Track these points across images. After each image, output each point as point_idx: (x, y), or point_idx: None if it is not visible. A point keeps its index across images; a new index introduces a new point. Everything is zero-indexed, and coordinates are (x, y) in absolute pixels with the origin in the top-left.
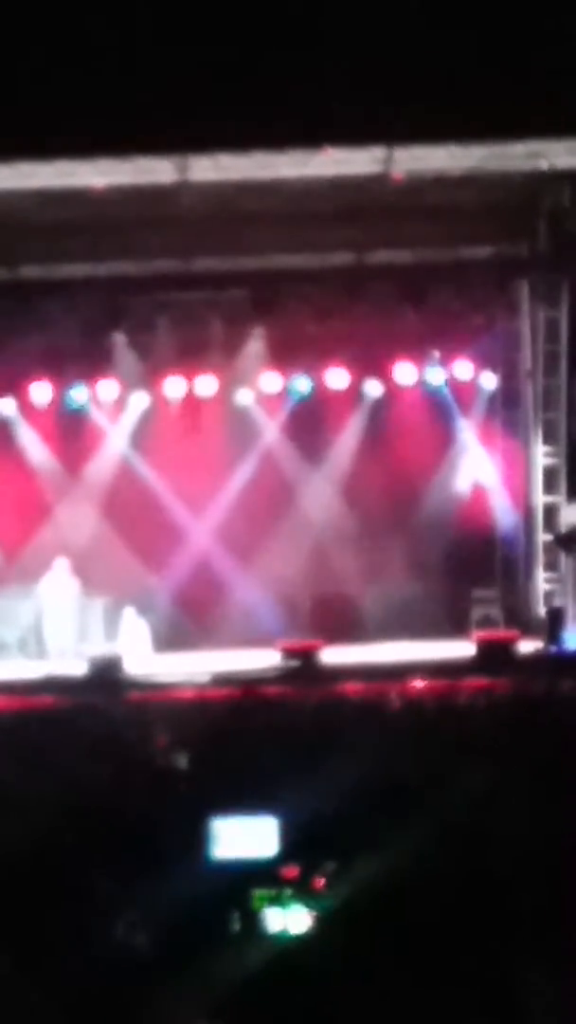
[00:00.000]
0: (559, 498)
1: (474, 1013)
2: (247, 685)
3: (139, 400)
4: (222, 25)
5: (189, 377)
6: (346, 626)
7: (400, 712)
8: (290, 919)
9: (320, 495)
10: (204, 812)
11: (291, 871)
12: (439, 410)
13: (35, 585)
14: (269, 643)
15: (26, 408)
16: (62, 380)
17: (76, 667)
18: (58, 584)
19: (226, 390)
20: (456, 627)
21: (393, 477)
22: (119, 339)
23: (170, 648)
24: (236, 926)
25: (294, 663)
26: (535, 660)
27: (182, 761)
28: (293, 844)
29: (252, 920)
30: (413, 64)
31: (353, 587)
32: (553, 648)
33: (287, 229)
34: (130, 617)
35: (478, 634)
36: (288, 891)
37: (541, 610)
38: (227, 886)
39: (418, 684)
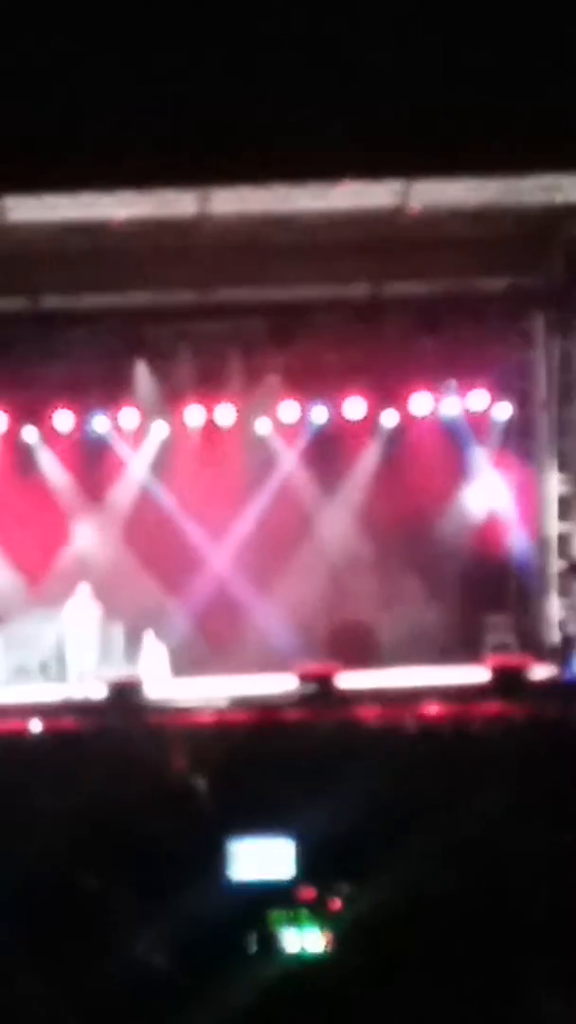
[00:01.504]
0: (573, 525)
1: None
2: (264, 709)
3: (159, 428)
4: (242, 60)
5: (208, 406)
6: (362, 651)
7: (415, 736)
8: (306, 940)
9: (337, 522)
10: (222, 834)
11: (307, 892)
12: (454, 439)
13: (57, 610)
14: (286, 668)
15: (48, 436)
16: (84, 408)
17: (96, 690)
18: (80, 609)
19: (245, 419)
20: (470, 652)
21: (409, 505)
22: (140, 368)
23: (189, 672)
24: (253, 946)
25: (311, 687)
26: (548, 685)
27: (200, 784)
28: (309, 866)
29: (269, 940)
30: (430, 99)
31: (369, 613)
32: (567, 674)
33: (305, 261)
34: (150, 641)
35: (492, 659)
36: (304, 912)
37: (555, 636)
38: (245, 907)
39: (433, 708)
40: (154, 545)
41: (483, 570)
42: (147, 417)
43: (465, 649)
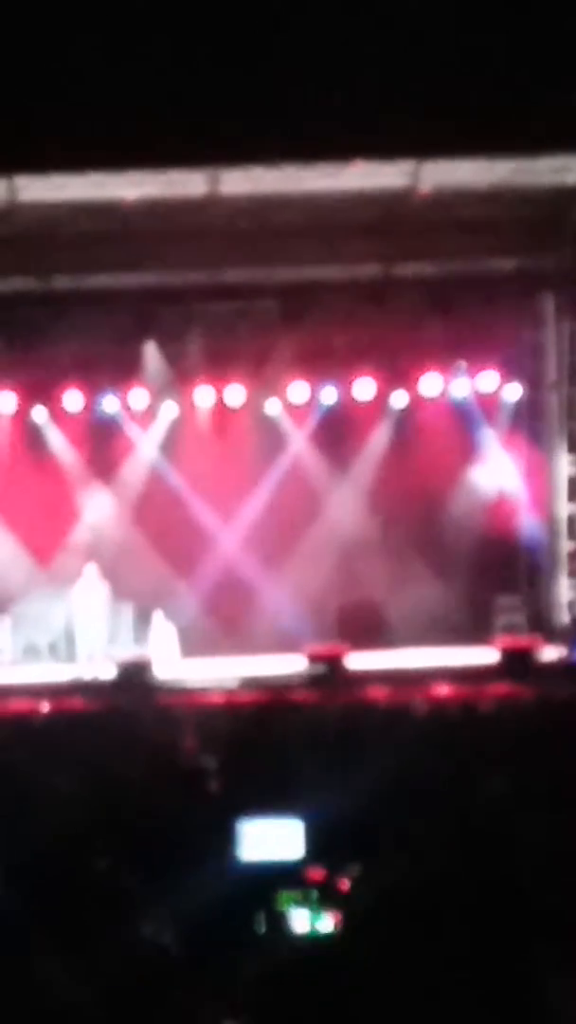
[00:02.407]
0: None
1: (499, 1015)
2: (274, 690)
3: (169, 409)
4: (253, 39)
5: (218, 386)
6: (372, 632)
7: (424, 717)
8: (316, 920)
9: (346, 503)
10: (231, 815)
11: (317, 873)
12: (464, 420)
13: (66, 590)
14: (295, 648)
15: (58, 416)
16: (93, 388)
17: (105, 671)
18: (89, 589)
19: (254, 399)
20: (480, 634)
21: (419, 486)
22: (150, 348)
23: (198, 653)
24: (262, 927)
25: (320, 668)
26: (558, 667)
27: (210, 764)
28: (319, 846)
29: (278, 921)
30: (441, 79)
31: (379, 594)
32: None
33: (316, 241)
34: (159, 622)
35: (502, 641)
36: (314, 893)
37: (564, 617)
38: (254, 887)
39: (442, 690)
40: (163, 525)
41: (493, 551)
42: (157, 397)
43: (474, 630)
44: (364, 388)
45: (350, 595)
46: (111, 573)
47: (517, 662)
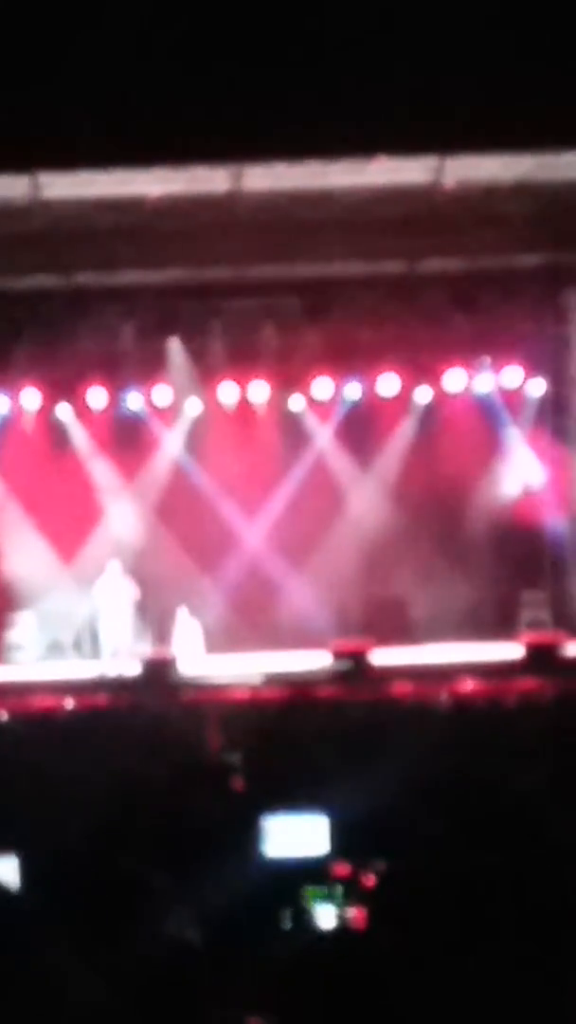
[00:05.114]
0: None
1: (529, 1013)
2: (299, 686)
3: (193, 405)
4: (276, 35)
5: (242, 383)
6: (396, 628)
7: (449, 713)
8: (341, 916)
9: (370, 499)
10: (256, 810)
11: (342, 869)
12: (488, 415)
13: (90, 587)
14: (320, 644)
15: (82, 413)
16: (117, 385)
17: (130, 667)
18: (113, 586)
19: (278, 396)
20: (505, 629)
21: (443, 481)
22: (173, 345)
23: (222, 649)
24: (287, 923)
25: (345, 664)
26: None
27: (234, 760)
28: (344, 842)
29: (303, 917)
30: (465, 74)
31: (403, 589)
32: None
33: (340, 237)
34: (183, 618)
35: (526, 636)
36: (339, 888)
37: None
38: (279, 883)
39: (467, 685)
40: (188, 522)
41: (517, 546)
42: (180, 394)
43: (499, 626)
44: (388, 384)
45: (375, 591)
46: (135, 570)
47: (542, 657)
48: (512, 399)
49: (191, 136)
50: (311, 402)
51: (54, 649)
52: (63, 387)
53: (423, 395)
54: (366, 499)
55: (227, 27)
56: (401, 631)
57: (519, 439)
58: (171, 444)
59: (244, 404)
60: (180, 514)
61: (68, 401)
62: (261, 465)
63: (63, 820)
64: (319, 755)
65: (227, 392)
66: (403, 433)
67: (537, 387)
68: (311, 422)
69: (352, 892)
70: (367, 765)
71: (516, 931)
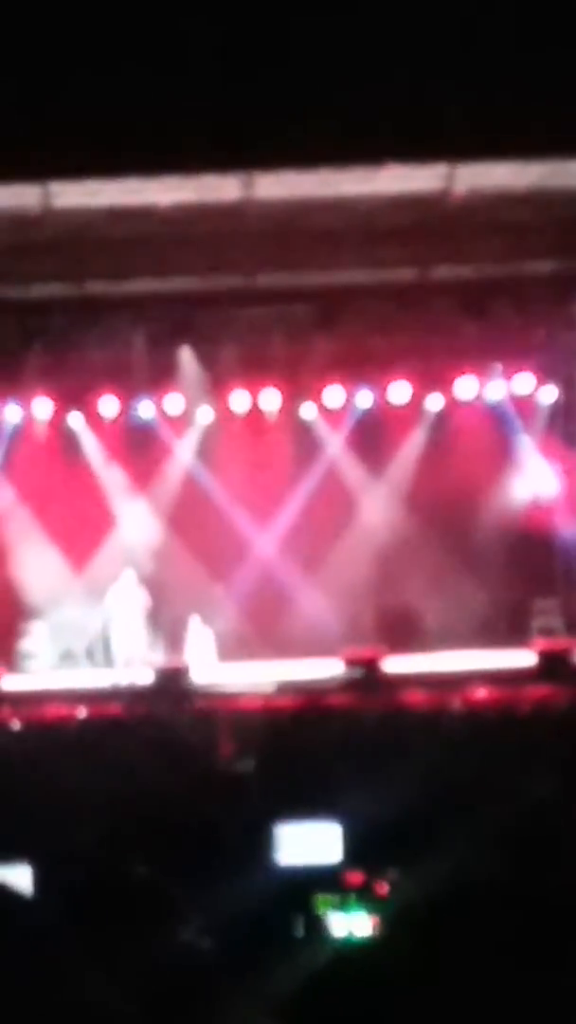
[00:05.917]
0: None
1: (543, 1020)
2: (311, 694)
3: (204, 413)
4: (286, 43)
5: (253, 391)
6: (408, 635)
7: (462, 720)
8: (354, 924)
9: (382, 507)
10: (269, 818)
11: (355, 877)
12: (500, 422)
13: (102, 596)
14: (332, 652)
15: (93, 421)
16: (129, 394)
17: (143, 676)
18: (125, 594)
19: (290, 404)
20: (517, 636)
21: (455, 489)
22: (185, 353)
23: (235, 657)
24: (300, 931)
25: (357, 672)
26: None
27: (247, 768)
28: (357, 850)
29: (316, 925)
30: (475, 81)
31: (415, 597)
32: None
33: (350, 245)
34: (196, 627)
35: (539, 643)
36: (352, 896)
37: None
38: (291, 891)
39: (480, 692)
40: (200, 530)
41: (529, 554)
42: (192, 402)
43: (512, 633)
44: (399, 392)
45: (387, 598)
46: (148, 578)
47: (555, 664)
48: (523, 406)
49: (201, 145)
50: (322, 410)
51: (67, 658)
52: (74, 396)
53: (434, 403)
54: (378, 507)
55: (237, 36)
56: (413, 639)
57: (531, 446)
58: (183, 452)
59: (255, 412)
60: (192, 522)
61: (79, 410)
62: (273, 473)
63: (76, 828)
64: (332, 763)
65: (239, 400)
66: (415, 441)
67: (549, 394)
68: (323, 430)
69: (365, 900)
70: (380, 773)
71: (531, 940)
